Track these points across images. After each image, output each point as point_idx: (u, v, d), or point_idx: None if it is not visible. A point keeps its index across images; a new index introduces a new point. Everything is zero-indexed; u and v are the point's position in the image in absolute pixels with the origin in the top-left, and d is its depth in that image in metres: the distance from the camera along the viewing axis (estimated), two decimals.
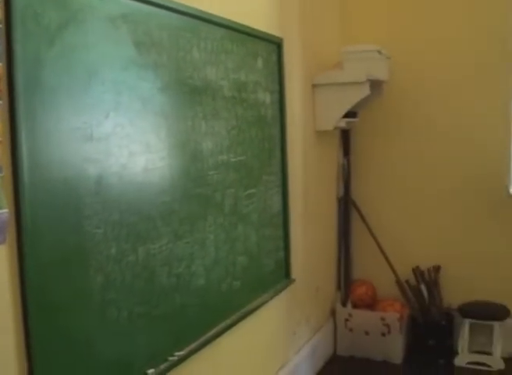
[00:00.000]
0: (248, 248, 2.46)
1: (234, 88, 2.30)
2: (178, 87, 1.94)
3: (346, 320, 3.50)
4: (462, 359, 3.34)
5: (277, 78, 2.69)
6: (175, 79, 1.92)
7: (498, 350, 3.29)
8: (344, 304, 3.56)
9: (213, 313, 2.20)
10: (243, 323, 2.40)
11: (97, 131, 1.58)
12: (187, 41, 1.98)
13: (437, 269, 3.50)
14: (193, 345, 2.04)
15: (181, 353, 1.95)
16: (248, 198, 2.45)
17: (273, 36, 2.62)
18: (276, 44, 2.65)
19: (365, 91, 3.15)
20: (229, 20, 2.23)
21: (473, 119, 3.40)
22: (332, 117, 3.22)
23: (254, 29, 2.43)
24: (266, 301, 2.61)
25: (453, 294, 3.47)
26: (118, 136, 1.66)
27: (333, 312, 3.58)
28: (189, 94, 2.00)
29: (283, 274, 2.84)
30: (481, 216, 3.45)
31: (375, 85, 3.27)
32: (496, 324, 3.29)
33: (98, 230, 1.60)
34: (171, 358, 1.91)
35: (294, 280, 2.91)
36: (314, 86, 3.20)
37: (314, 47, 3.23)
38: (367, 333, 3.44)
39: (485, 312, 3.34)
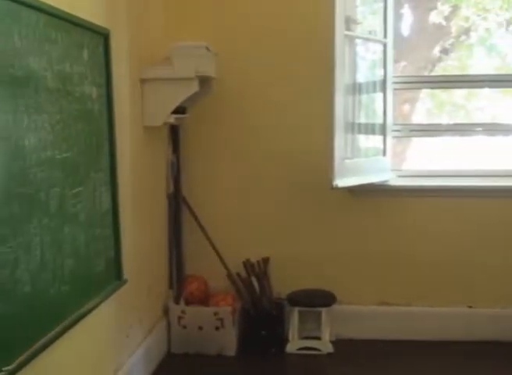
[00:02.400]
0: (77, 249, 2.32)
1: (58, 80, 2.15)
2: None
3: (180, 318, 3.48)
4: (293, 346, 3.49)
5: (104, 71, 2.57)
6: None
7: (326, 334, 3.48)
8: (177, 301, 3.53)
9: (41, 322, 2.05)
10: (74, 329, 2.27)
11: None
12: (7, 27, 1.80)
13: (266, 260, 3.60)
14: (20, 359, 1.87)
15: (9, 367, 1.78)
16: (75, 196, 2.31)
17: (100, 27, 2.50)
18: (103, 36, 2.53)
19: (194, 87, 3.16)
20: (53, 7, 2.07)
21: (298, 116, 3.56)
22: (161, 113, 3.18)
23: (79, 18, 2.30)
24: (97, 305, 2.49)
25: (283, 284, 3.59)
26: None
27: (166, 311, 3.54)
28: (9, 84, 1.82)
29: (115, 275, 2.73)
30: (306, 208, 3.63)
31: (204, 82, 3.28)
32: (324, 310, 3.47)
33: None
34: None
35: (126, 281, 2.81)
36: (142, 80, 3.12)
37: (143, 41, 3.16)
38: (200, 328, 3.45)
39: (313, 300, 3.51)
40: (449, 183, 3.63)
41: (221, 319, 3.40)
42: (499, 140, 6.31)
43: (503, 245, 3.58)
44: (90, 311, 2.42)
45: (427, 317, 3.60)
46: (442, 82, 4.56)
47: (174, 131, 3.58)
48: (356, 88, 3.53)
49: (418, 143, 7.58)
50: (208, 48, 3.22)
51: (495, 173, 3.74)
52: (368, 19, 3.97)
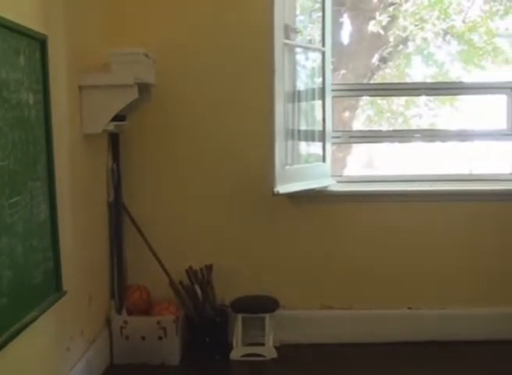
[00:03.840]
0: (14, 260, 2.27)
1: None
2: None
3: (122, 328, 3.43)
4: (237, 353, 3.49)
5: (41, 78, 2.52)
6: None
7: (270, 340, 3.50)
8: (119, 311, 3.48)
9: None
10: (12, 343, 2.20)
11: None
12: None
13: (209, 268, 3.59)
14: None
15: None
16: (12, 206, 2.26)
17: (37, 32, 2.45)
18: (40, 42, 2.49)
19: (133, 94, 3.14)
20: None
21: (240, 123, 3.59)
22: (100, 120, 3.14)
23: (16, 23, 2.25)
24: (36, 317, 2.43)
25: (226, 291, 3.59)
26: None
27: (108, 321, 3.48)
28: None
29: (54, 287, 2.67)
30: (248, 214, 3.65)
31: (144, 89, 3.26)
32: (267, 316, 3.49)
33: None
34: None
35: (66, 292, 2.76)
36: (81, 87, 3.08)
37: (81, 47, 3.11)
38: (143, 338, 3.41)
39: (256, 306, 3.52)
40: (387, 188, 3.72)
41: (164, 329, 3.37)
42: (437, 146, 6.50)
43: (441, 248, 3.69)
44: (28, 324, 2.36)
45: (368, 320, 3.67)
46: (381, 90, 4.66)
47: (114, 139, 3.54)
48: (296, 96, 3.57)
49: (359, 149, 7.75)
50: (146, 55, 3.20)
51: (432, 178, 3.86)
52: (309, 28, 4.03)
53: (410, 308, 3.70)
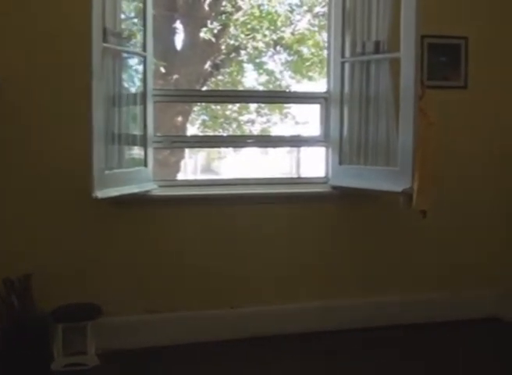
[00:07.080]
0: None
1: None
2: None
3: None
4: (58, 364, 3.37)
5: None
6: None
7: (92, 348, 3.42)
8: None
9: None
10: None
11: None
12: None
13: (28, 277, 3.44)
14: None
15: None
16: None
17: None
18: None
19: None
20: None
21: (62, 126, 3.51)
22: None
23: None
24: None
25: (48, 301, 3.42)
26: None
27: None
28: None
29: None
30: (70, 220, 3.56)
31: None
32: (88, 324, 3.42)
33: None
34: None
35: None
36: None
37: None
38: None
39: (77, 314, 3.42)
40: (209, 191, 3.82)
41: None
42: (268, 151, 6.81)
43: (265, 248, 3.87)
44: None
45: (193, 320, 3.74)
46: (209, 97, 4.78)
47: None
48: (118, 100, 3.53)
49: (197, 154, 7.88)
50: None
51: (256, 182, 4.02)
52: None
53: (232, 308, 3.82)
